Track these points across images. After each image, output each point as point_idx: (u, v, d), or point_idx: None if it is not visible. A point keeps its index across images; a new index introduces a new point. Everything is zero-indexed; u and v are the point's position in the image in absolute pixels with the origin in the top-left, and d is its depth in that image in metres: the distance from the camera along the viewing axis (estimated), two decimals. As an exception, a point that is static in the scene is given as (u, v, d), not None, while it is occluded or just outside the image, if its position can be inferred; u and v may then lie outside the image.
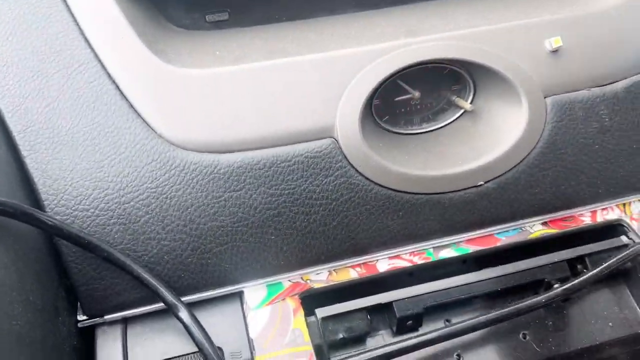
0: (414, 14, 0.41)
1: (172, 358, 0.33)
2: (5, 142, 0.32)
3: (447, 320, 0.37)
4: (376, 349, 0.33)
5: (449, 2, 0.41)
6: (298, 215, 0.34)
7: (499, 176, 0.37)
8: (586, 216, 0.39)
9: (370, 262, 0.36)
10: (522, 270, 0.37)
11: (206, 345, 0.32)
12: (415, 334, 0.35)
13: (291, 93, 0.35)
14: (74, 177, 0.33)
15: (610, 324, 0.37)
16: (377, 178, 0.36)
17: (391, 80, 0.37)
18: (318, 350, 0.34)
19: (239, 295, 0.35)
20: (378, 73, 0.36)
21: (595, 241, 0.38)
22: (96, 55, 0.34)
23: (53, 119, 0.33)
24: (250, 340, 0.34)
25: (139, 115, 0.34)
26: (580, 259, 0.38)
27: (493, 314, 0.34)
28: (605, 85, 0.38)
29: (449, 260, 0.37)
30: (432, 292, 0.35)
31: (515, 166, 0.37)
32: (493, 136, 0.38)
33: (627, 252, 0.36)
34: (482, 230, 0.38)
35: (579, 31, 0.37)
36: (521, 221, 0.38)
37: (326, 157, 0.35)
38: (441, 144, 0.39)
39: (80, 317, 0.34)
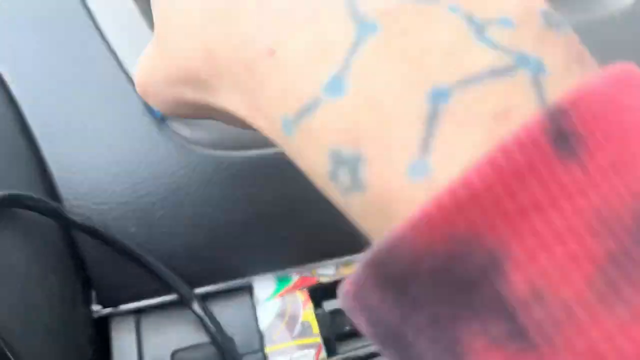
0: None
1: (185, 348, 0.34)
2: (24, 138, 0.33)
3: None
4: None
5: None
6: (309, 210, 0.35)
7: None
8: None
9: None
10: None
11: (218, 336, 0.33)
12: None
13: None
14: (91, 172, 0.33)
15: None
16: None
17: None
18: (326, 341, 0.35)
19: (249, 288, 0.36)
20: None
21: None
22: (113, 53, 0.35)
23: (71, 115, 0.34)
24: (260, 332, 0.35)
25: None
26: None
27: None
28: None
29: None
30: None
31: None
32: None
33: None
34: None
35: (595, 36, 0.38)
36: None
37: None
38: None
39: (95, 308, 0.35)
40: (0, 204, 0.27)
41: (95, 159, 0.34)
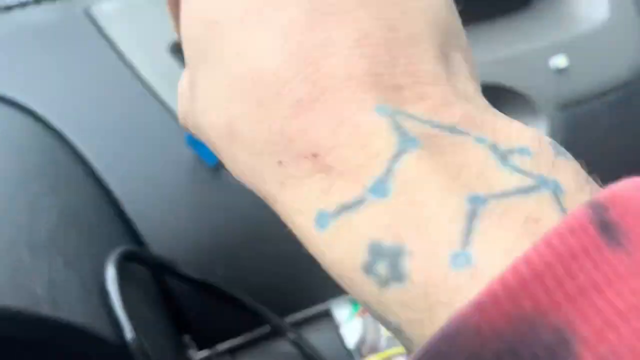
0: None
1: (284, 377, 0.36)
2: (104, 195, 0.35)
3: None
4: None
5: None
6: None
7: (530, 180, 0.43)
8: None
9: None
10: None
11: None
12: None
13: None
14: (171, 220, 0.36)
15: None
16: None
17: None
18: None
19: (328, 312, 0.39)
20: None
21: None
22: (173, 115, 0.38)
23: (144, 174, 0.36)
24: (348, 350, 0.37)
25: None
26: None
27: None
28: (604, 95, 0.45)
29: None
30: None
31: (542, 170, 0.43)
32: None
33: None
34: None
35: (579, 49, 0.45)
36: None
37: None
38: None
39: (192, 352, 0.36)
40: (124, 259, 0.29)
41: (171, 207, 0.36)
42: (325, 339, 0.38)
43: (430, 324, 0.12)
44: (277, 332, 0.36)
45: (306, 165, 0.14)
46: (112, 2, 0.41)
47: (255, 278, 0.37)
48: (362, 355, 0.37)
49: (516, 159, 0.13)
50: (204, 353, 0.36)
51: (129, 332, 0.25)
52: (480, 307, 0.11)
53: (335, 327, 0.38)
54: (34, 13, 0.40)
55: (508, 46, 0.45)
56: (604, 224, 0.11)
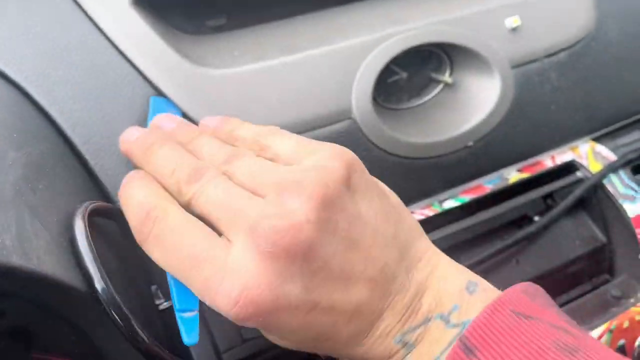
0: (393, 6, 0.47)
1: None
2: (73, 156, 0.35)
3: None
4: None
5: (424, -5, 0.48)
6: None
7: (482, 137, 0.45)
8: (548, 160, 0.48)
9: (391, 219, 0.43)
10: (510, 210, 0.45)
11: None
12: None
13: (311, 84, 0.41)
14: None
15: (577, 242, 0.46)
16: (390, 149, 0.42)
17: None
18: None
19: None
20: (380, 59, 0.42)
21: (557, 179, 0.48)
22: (138, 71, 0.37)
23: (109, 128, 0.36)
24: None
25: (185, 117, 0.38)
26: (549, 195, 0.47)
27: (496, 248, 0.43)
28: (554, 55, 0.47)
29: (452, 209, 0.45)
30: (446, 235, 0.43)
31: (494, 127, 0.45)
32: (473, 104, 0.46)
33: (587, 183, 0.45)
34: (473, 182, 0.46)
35: (532, 10, 0.46)
36: (501, 170, 0.47)
37: (348, 136, 0.41)
38: (431, 115, 0.47)
39: (158, 301, 0.37)
40: (89, 213, 0.29)
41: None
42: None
43: None
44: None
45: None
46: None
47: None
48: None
49: (453, 317, 0.26)
50: (170, 302, 0.37)
51: (98, 282, 0.26)
52: None
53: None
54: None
55: (466, 7, 0.46)
56: (467, 348, 0.23)
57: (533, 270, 0.45)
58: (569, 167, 0.48)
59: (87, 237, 0.27)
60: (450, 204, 0.45)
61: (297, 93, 0.40)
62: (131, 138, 0.31)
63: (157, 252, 0.27)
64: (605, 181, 0.47)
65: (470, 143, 0.45)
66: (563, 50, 0.47)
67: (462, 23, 0.45)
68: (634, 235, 0.46)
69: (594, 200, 0.48)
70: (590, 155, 0.49)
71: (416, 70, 0.47)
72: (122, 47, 0.38)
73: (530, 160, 0.48)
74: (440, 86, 0.48)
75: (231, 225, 0.25)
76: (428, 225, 0.44)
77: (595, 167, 0.48)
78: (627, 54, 0.51)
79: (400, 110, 0.47)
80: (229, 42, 0.44)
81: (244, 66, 0.40)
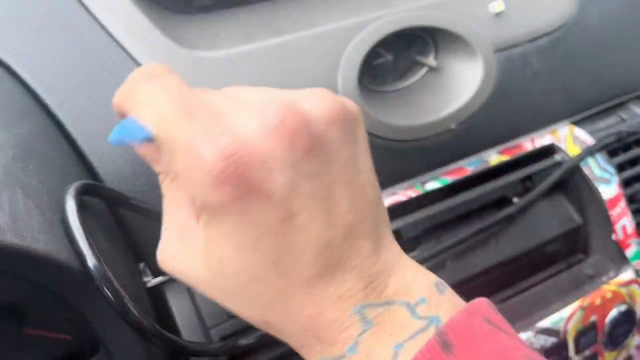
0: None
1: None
2: (62, 135, 0.35)
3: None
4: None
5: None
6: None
7: (465, 120, 0.46)
8: (528, 143, 0.50)
9: (375, 200, 0.44)
10: (490, 191, 0.47)
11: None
12: (415, 253, 0.44)
13: (298, 65, 0.41)
14: (127, 159, 0.36)
15: (554, 223, 0.48)
16: (374, 131, 0.43)
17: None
18: None
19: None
20: (366, 42, 0.43)
21: (536, 162, 0.49)
22: (125, 51, 0.38)
23: (96, 108, 0.36)
24: None
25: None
26: (528, 177, 0.49)
27: (476, 228, 0.44)
28: (536, 39, 0.48)
29: (434, 191, 0.46)
30: (428, 216, 0.44)
31: (476, 110, 0.46)
32: (456, 88, 0.47)
33: (565, 166, 0.47)
34: (455, 164, 0.47)
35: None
36: (482, 153, 0.48)
37: (334, 117, 0.42)
38: (415, 98, 0.48)
39: (146, 279, 0.38)
40: (80, 193, 0.30)
41: (125, 149, 0.37)
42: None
43: None
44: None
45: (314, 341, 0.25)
46: None
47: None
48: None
49: (419, 309, 0.24)
50: (158, 279, 0.38)
51: (90, 260, 0.27)
52: None
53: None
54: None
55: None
56: (445, 343, 0.22)
57: (511, 249, 0.46)
58: (548, 150, 0.50)
59: (77, 216, 0.28)
60: (432, 185, 0.46)
61: (283, 75, 0.41)
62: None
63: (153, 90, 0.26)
64: (582, 164, 0.49)
65: (453, 126, 0.46)
66: (545, 35, 0.48)
67: (448, 7, 0.46)
68: (607, 217, 0.48)
69: (571, 182, 0.49)
70: (569, 138, 0.51)
71: (401, 53, 0.47)
72: (109, 27, 0.38)
73: (511, 143, 0.49)
74: (425, 69, 0.48)
75: (240, 109, 0.24)
76: (411, 206, 0.45)
77: (573, 150, 0.50)
78: (607, 39, 0.52)
79: (384, 92, 0.48)
80: (216, 23, 0.44)
81: (230, 49, 0.41)
